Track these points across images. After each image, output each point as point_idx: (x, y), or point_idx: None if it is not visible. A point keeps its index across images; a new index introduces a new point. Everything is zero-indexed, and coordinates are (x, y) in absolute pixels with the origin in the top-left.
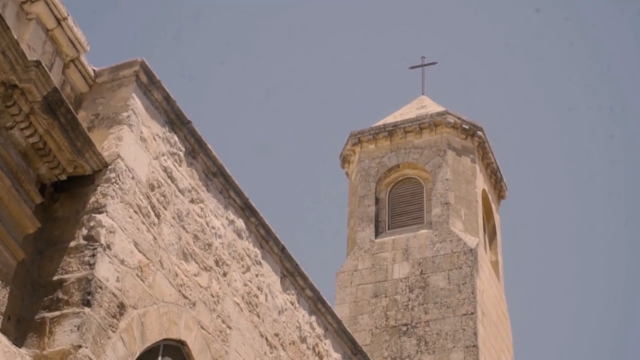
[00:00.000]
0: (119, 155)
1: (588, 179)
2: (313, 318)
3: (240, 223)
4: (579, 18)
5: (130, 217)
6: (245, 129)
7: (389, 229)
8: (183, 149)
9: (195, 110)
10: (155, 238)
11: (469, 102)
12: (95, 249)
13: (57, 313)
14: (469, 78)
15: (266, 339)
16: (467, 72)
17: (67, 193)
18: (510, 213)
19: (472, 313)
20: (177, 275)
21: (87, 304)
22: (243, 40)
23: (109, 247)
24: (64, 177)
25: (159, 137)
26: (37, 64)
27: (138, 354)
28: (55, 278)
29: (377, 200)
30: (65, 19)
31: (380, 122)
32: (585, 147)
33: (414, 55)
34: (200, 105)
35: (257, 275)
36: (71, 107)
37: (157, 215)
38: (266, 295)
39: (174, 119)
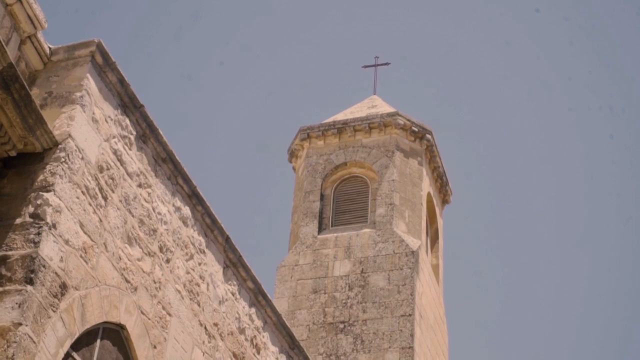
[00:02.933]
0: (69, 135)
1: (588, 179)
2: (253, 310)
3: (186, 210)
4: (579, 18)
5: (78, 198)
6: (244, 128)
7: (332, 226)
8: (134, 133)
9: (195, 109)
10: (101, 220)
11: (429, 104)
12: (40, 227)
13: None
14: (437, 79)
15: (205, 328)
16: (435, 73)
17: (15, 170)
18: (506, 212)
19: (410, 315)
20: (120, 258)
21: (30, 282)
22: (243, 40)
23: (54, 226)
24: (13, 154)
25: (111, 119)
26: None
27: (77, 335)
28: None
29: (322, 197)
30: None
31: (330, 119)
32: (585, 147)
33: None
34: (199, 105)
35: (200, 264)
36: (25, 84)
37: (104, 198)
38: (208, 284)
39: (127, 102)
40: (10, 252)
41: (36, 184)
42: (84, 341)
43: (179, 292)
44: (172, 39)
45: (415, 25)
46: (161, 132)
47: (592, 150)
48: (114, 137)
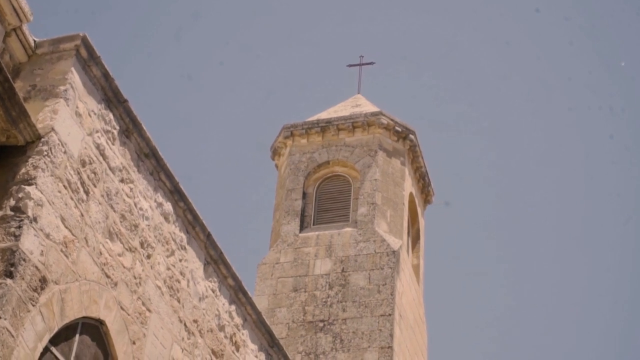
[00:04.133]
0: (52, 129)
1: (588, 179)
2: (233, 307)
3: (168, 206)
4: (579, 18)
5: (59, 192)
6: (241, 127)
7: (314, 225)
8: (117, 128)
9: (194, 108)
10: (82, 215)
11: (408, 104)
12: (21, 220)
13: None
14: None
15: (185, 324)
16: (418, 74)
17: None
18: (506, 212)
19: (389, 314)
20: (101, 253)
21: (10, 275)
22: (243, 40)
23: (35, 220)
24: None
25: (95, 114)
26: None
27: (56, 329)
28: None
29: (304, 195)
30: None
31: (314, 118)
32: (585, 147)
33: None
34: (199, 105)
35: (180, 260)
36: (9, 76)
37: (86, 192)
38: (188, 280)
39: (111, 97)
40: None
41: (18, 177)
42: (62, 336)
43: (159, 288)
44: (172, 39)
45: (415, 25)
46: (144, 128)
47: (592, 150)
48: (97, 131)
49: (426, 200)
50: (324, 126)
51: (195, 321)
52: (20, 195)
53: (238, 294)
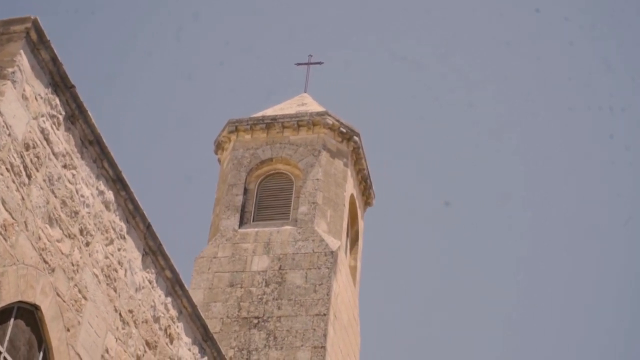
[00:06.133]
0: None
1: (588, 179)
2: (169, 299)
3: (110, 195)
4: (579, 18)
5: (2, 174)
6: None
7: (253, 221)
8: (63, 113)
9: (194, 108)
10: (23, 198)
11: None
12: None
13: None
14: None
15: (120, 314)
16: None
17: None
18: (506, 212)
19: (324, 314)
20: (40, 238)
21: None
22: (243, 40)
23: None
24: None
25: (41, 98)
26: None
27: None
28: None
29: (245, 191)
30: None
31: (260, 114)
32: (585, 147)
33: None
34: (199, 105)
35: (119, 250)
36: None
37: (29, 176)
38: (126, 270)
39: (59, 81)
40: None
41: None
42: None
43: (97, 276)
44: (172, 39)
45: (415, 25)
46: (90, 114)
47: (592, 150)
48: (42, 115)
49: (367, 203)
50: (269, 123)
51: (130, 311)
52: None
53: (175, 286)
